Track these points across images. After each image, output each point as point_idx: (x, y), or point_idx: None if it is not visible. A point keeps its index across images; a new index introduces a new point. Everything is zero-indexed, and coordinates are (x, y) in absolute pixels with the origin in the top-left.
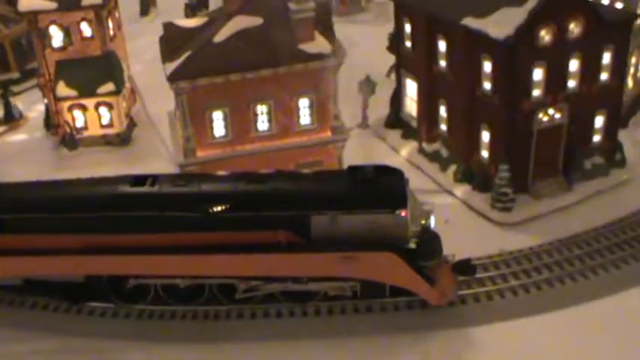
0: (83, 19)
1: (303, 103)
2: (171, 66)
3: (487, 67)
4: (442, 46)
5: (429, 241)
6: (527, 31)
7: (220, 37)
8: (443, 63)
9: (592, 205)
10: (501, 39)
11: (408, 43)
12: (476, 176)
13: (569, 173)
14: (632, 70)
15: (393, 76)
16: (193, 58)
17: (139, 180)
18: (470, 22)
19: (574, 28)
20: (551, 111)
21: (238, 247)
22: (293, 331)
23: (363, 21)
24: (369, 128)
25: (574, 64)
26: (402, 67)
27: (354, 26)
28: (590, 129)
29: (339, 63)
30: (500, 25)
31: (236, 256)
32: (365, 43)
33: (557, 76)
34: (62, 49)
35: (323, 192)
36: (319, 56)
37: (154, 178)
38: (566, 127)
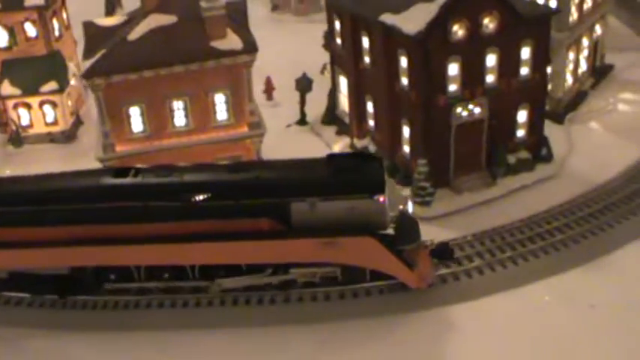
0: (27, 20)
1: (219, 98)
2: (87, 63)
3: (404, 62)
4: (366, 42)
5: (407, 225)
6: (439, 26)
7: (135, 35)
8: (367, 59)
9: (515, 200)
10: (413, 34)
11: (339, 41)
12: (399, 171)
13: (492, 168)
14: (571, 66)
15: (327, 73)
16: (108, 56)
17: (121, 171)
18: (387, 18)
19: (489, 23)
20: (470, 106)
21: (221, 235)
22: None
23: (322, 20)
24: (308, 125)
25: (491, 59)
26: (335, 64)
27: (311, 26)
28: (513, 124)
29: (252, 60)
30: (413, 20)
31: (219, 244)
32: (320, 42)
33: (473, 71)
34: (7, 49)
35: (302, 179)
36: (231, 53)
37: (137, 170)
38: (487, 122)
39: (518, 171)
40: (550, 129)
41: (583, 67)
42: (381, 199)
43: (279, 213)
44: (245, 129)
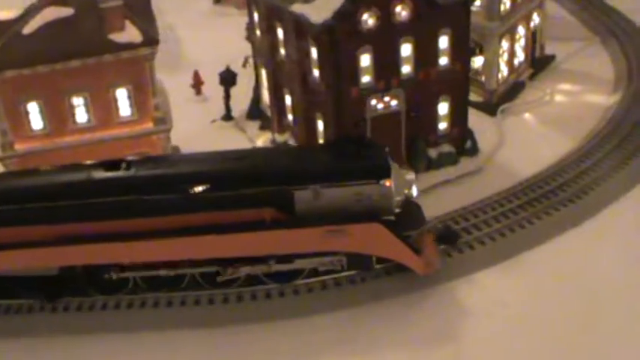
0: None
1: (122, 93)
2: None
3: (314, 53)
4: (281, 34)
5: (413, 210)
6: (347, 14)
7: (29, 28)
8: (283, 51)
9: (435, 195)
10: (319, 24)
11: (259, 32)
12: None
13: (412, 162)
14: (505, 56)
15: (248, 66)
16: (0, 51)
17: (112, 164)
18: (297, 7)
19: (401, 11)
20: (386, 98)
21: (222, 227)
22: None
23: None
24: (233, 120)
25: (406, 49)
26: (256, 56)
27: None
28: (434, 116)
29: (153, 53)
30: (322, 9)
31: (220, 237)
32: None
33: (387, 62)
34: None
35: (305, 166)
36: (129, 46)
37: (128, 162)
38: (405, 114)
39: (441, 165)
40: (481, 121)
41: (520, 57)
42: (387, 183)
43: (282, 202)
44: (150, 125)
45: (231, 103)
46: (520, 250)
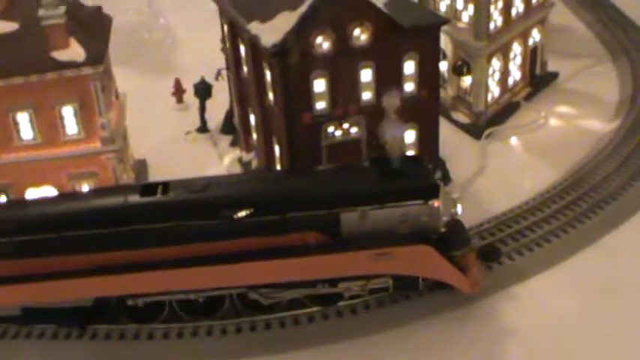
0: None
1: (68, 111)
2: None
3: (268, 76)
4: (243, 51)
5: (458, 229)
6: (299, 37)
7: None
8: (245, 69)
9: None
10: (269, 46)
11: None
12: None
13: None
14: (497, 75)
15: (221, 79)
16: None
17: (148, 188)
18: (253, 27)
19: (360, 34)
20: (345, 124)
21: (265, 252)
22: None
23: None
24: (209, 132)
25: (366, 74)
26: (228, 69)
27: None
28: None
29: (97, 72)
30: (275, 31)
31: (263, 263)
32: None
33: (345, 87)
34: None
35: (351, 187)
36: (71, 64)
37: (165, 185)
38: (365, 142)
39: None
40: (465, 145)
41: (516, 76)
42: (436, 203)
43: (328, 225)
44: (97, 144)
45: (211, 114)
46: (475, 298)
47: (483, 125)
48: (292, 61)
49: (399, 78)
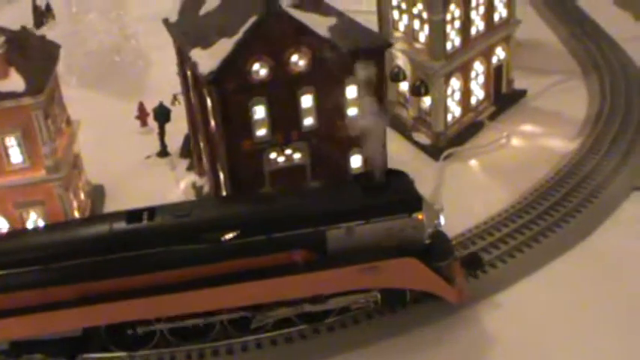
0: None
1: (11, 141)
2: None
3: (209, 103)
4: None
5: (442, 240)
6: (235, 64)
7: None
8: (193, 94)
9: None
10: (205, 74)
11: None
12: None
13: None
14: (457, 95)
15: (177, 103)
16: None
17: (133, 215)
18: (195, 53)
19: (298, 60)
20: (288, 151)
21: (253, 274)
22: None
23: None
24: (169, 156)
25: (307, 100)
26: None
27: None
28: (345, 170)
29: (37, 102)
30: (213, 58)
31: (252, 284)
32: None
33: (286, 114)
34: None
35: (335, 204)
36: (10, 95)
37: (150, 211)
38: (310, 168)
39: None
40: (423, 166)
41: (479, 95)
42: (420, 216)
43: (314, 243)
44: (42, 172)
45: (173, 138)
46: (413, 326)
47: (444, 146)
48: (229, 88)
49: (341, 103)
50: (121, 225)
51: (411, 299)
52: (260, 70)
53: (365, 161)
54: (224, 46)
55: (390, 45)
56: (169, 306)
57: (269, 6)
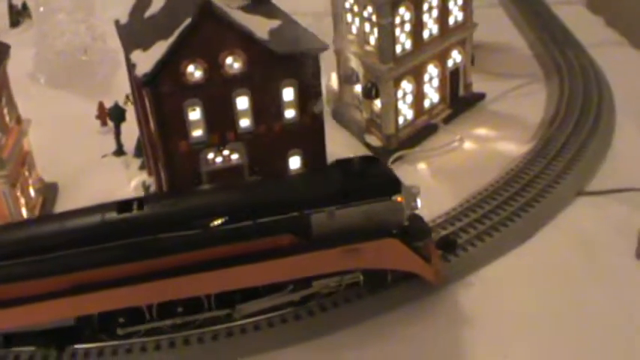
0: None
1: None
2: None
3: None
4: None
5: (418, 222)
6: (169, 67)
7: None
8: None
9: None
10: (140, 76)
11: None
12: None
13: None
14: (409, 98)
15: (130, 104)
16: None
17: (124, 205)
18: (135, 56)
19: (233, 62)
20: (225, 151)
21: (242, 258)
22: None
23: None
24: (125, 155)
25: (242, 102)
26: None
27: None
28: (284, 171)
29: None
30: (149, 60)
31: (240, 268)
32: None
33: (221, 115)
34: None
35: (318, 189)
36: None
37: (140, 201)
38: (247, 169)
39: None
40: None
41: (434, 98)
42: (399, 198)
43: (299, 227)
44: None
45: (131, 138)
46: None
47: (394, 148)
48: (164, 90)
49: (278, 105)
50: (112, 215)
51: (392, 280)
52: (195, 72)
53: (304, 162)
54: (160, 49)
55: (324, 48)
56: (159, 292)
57: (202, 9)
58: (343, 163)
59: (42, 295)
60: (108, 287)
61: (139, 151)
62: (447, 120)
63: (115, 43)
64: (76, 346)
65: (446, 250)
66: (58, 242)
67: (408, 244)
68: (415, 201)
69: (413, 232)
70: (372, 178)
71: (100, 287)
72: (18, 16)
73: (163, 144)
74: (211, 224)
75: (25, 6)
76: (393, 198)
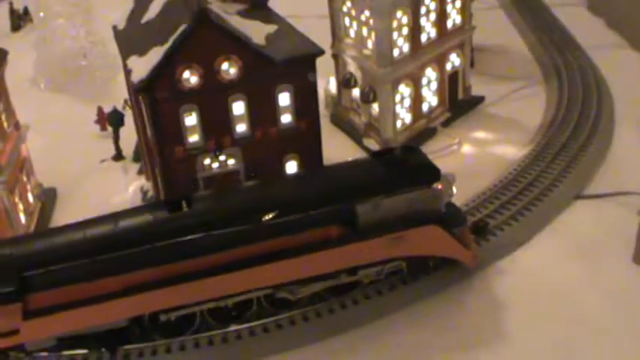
0: None
1: None
2: None
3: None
4: None
5: (454, 208)
6: (165, 72)
7: None
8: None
9: None
10: (135, 82)
11: None
12: None
13: None
14: (407, 102)
15: (128, 108)
16: None
17: (173, 204)
18: (131, 61)
19: (229, 68)
20: (222, 157)
21: (292, 251)
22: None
23: None
24: (124, 160)
25: (239, 107)
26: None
27: None
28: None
29: None
30: (145, 65)
31: (291, 261)
32: None
33: (217, 121)
34: None
35: (362, 180)
36: None
37: (188, 199)
38: (244, 174)
39: None
40: None
41: (432, 101)
42: (439, 186)
43: (346, 218)
44: None
45: (130, 143)
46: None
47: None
48: (160, 96)
49: (273, 110)
50: (163, 214)
51: (433, 266)
52: (190, 77)
53: (300, 167)
54: (156, 55)
55: (321, 53)
56: (212, 289)
57: (197, 15)
58: (384, 153)
59: (97, 297)
60: (162, 286)
61: (137, 156)
62: (446, 123)
63: (114, 48)
64: (127, 346)
65: (479, 235)
66: (110, 244)
67: (449, 230)
68: (451, 188)
69: (451, 218)
70: (412, 167)
71: (154, 287)
72: (19, 20)
73: (159, 149)
74: (263, 219)
75: (26, 10)
76: (433, 186)
